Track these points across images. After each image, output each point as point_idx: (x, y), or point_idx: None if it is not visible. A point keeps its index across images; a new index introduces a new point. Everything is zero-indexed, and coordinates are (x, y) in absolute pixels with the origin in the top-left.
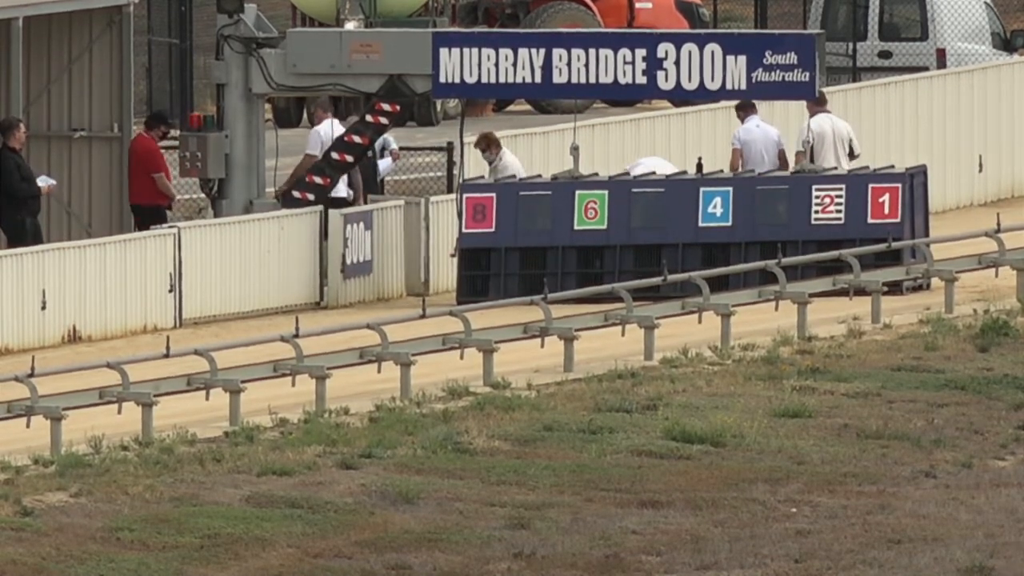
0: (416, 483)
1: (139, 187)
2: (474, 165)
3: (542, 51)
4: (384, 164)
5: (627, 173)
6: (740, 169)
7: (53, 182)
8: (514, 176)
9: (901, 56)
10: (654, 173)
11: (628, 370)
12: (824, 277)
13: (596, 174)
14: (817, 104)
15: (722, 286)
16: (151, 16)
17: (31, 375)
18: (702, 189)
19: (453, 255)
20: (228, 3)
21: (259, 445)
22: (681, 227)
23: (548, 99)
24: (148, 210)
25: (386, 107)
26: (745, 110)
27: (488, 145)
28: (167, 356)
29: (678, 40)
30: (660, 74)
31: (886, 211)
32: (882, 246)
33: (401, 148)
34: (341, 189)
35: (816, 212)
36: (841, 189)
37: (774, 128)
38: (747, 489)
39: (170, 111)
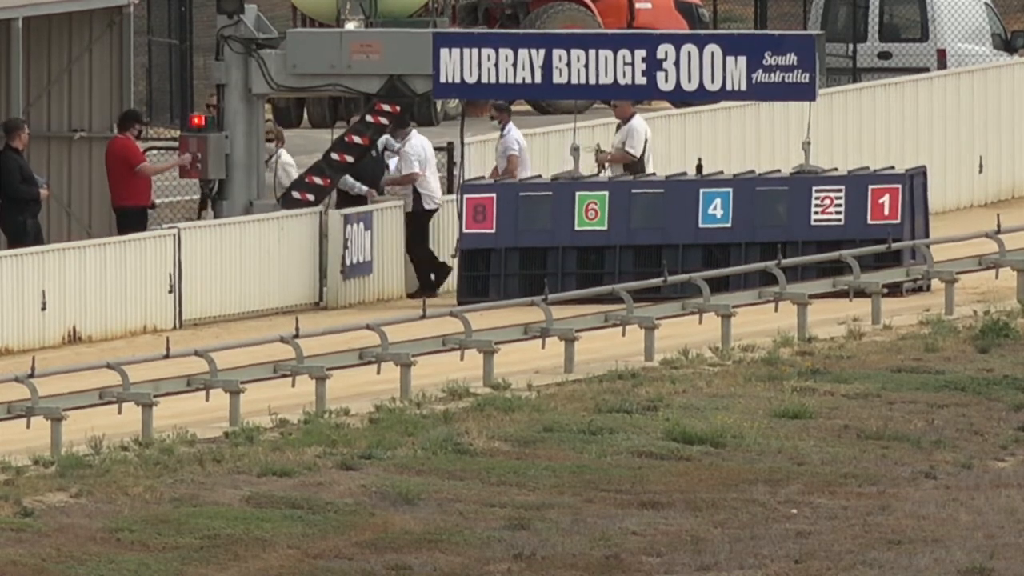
0: (416, 484)
1: (124, 188)
2: (474, 165)
3: (542, 51)
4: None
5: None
6: (519, 175)
7: (43, 180)
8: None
9: (901, 57)
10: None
11: (628, 371)
12: (824, 278)
13: (596, 174)
14: (630, 106)
15: (722, 287)
16: (151, 17)
17: (31, 376)
18: (702, 190)
19: (454, 256)
20: (228, 4)
21: (259, 446)
22: (681, 228)
23: (548, 99)
24: (134, 212)
25: (386, 107)
26: (505, 114)
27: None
28: (167, 357)
29: (678, 41)
30: (660, 75)
31: (886, 212)
32: (882, 247)
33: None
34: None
35: (816, 213)
36: (841, 190)
37: None
38: (747, 490)
39: (170, 111)
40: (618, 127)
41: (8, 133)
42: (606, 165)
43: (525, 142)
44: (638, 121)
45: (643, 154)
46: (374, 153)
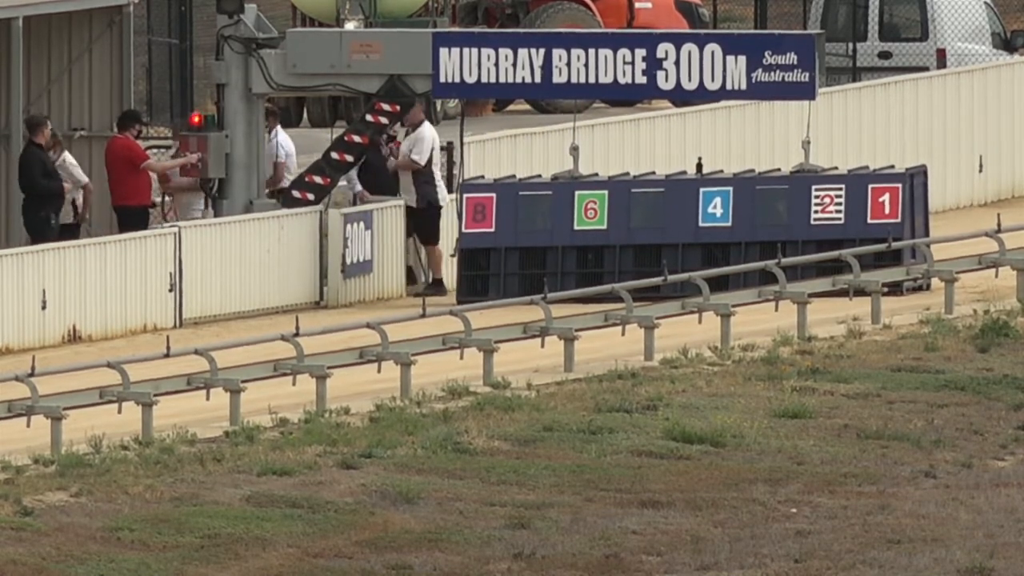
0: (416, 483)
1: (125, 188)
2: (474, 165)
3: (542, 51)
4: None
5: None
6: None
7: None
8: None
9: (901, 56)
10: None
11: (628, 370)
12: (824, 277)
13: (596, 174)
14: (420, 112)
15: (722, 286)
16: (151, 16)
17: (31, 375)
18: (702, 189)
19: (453, 255)
20: (228, 3)
21: (259, 445)
22: (681, 227)
23: (548, 99)
24: (134, 211)
25: (386, 107)
26: (273, 118)
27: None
28: (167, 356)
29: (678, 40)
30: (660, 74)
31: (886, 211)
32: (882, 246)
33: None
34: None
35: (816, 212)
36: (841, 189)
37: None
38: (747, 489)
39: (170, 111)
40: (407, 133)
41: (31, 129)
42: (390, 161)
43: (292, 147)
44: (427, 129)
45: (429, 161)
46: (384, 152)
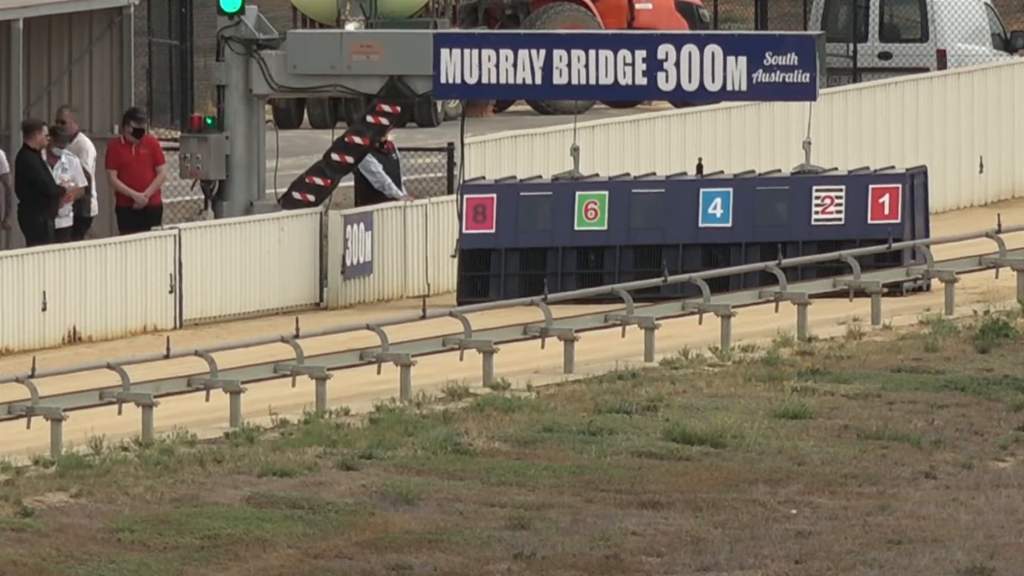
0: (416, 484)
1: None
2: (475, 166)
3: (542, 52)
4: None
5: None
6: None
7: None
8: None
9: (901, 57)
10: None
11: (628, 371)
12: (824, 278)
13: (596, 175)
14: (74, 124)
15: (722, 287)
16: (151, 17)
17: (32, 376)
18: (702, 190)
19: (453, 256)
20: (228, 4)
21: (259, 446)
22: (681, 228)
23: (548, 100)
24: (124, 211)
25: (386, 108)
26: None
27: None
28: (167, 357)
29: (678, 41)
30: (660, 75)
31: (886, 212)
32: (882, 247)
33: (401, 149)
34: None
35: (816, 213)
36: (841, 190)
37: None
38: (747, 490)
39: (171, 112)
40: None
41: (26, 132)
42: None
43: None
44: (87, 140)
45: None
46: (395, 156)
